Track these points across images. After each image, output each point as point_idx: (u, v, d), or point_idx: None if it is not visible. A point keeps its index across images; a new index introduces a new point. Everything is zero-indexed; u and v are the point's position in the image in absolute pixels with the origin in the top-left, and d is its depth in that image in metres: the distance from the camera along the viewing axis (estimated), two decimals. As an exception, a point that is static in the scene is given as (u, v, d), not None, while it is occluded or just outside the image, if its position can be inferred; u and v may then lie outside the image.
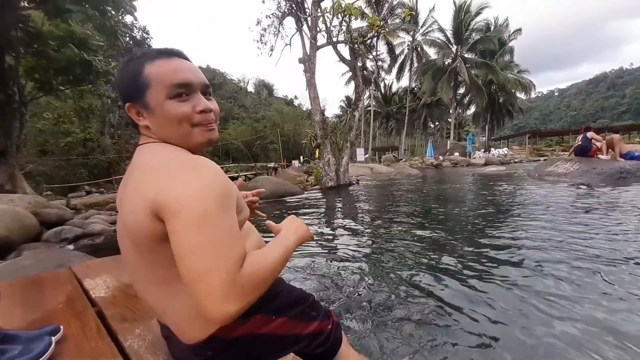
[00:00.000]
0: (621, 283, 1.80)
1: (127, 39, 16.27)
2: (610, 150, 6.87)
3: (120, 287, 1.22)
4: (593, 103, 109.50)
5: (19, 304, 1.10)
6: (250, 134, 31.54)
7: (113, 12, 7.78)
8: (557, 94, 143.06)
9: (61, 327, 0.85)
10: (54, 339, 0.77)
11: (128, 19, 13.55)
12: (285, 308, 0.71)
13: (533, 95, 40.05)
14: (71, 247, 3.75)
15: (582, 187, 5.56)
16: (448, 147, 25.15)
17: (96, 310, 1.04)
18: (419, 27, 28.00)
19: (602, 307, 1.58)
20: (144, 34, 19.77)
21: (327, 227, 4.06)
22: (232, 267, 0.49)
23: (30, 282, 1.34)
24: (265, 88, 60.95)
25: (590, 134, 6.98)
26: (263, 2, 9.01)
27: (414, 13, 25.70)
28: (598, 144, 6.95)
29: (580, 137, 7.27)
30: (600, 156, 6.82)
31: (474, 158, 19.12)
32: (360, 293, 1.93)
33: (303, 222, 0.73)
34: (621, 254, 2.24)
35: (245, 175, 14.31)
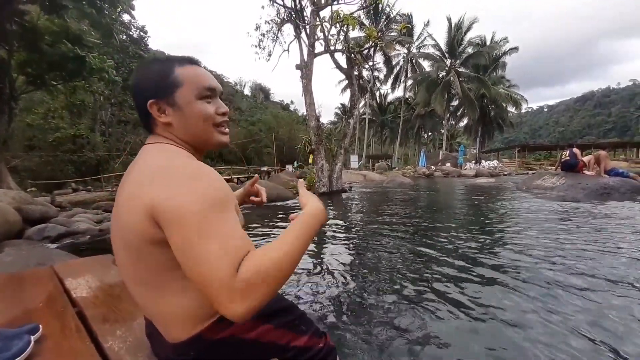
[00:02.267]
0: (601, 294, 1.86)
1: (124, 37, 16.15)
2: (595, 166, 7.08)
3: (103, 287, 1.20)
4: (580, 120, 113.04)
5: (-2, 301, 1.07)
6: (244, 137, 31.41)
7: (109, 10, 7.75)
8: (546, 110, 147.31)
9: (40, 326, 0.83)
10: (32, 337, 0.76)
11: (126, 17, 13.50)
12: (272, 316, 0.70)
13: (523, 110, 41.08)
14: (54, 245, 3.65)
15: (567, 201, 5.71)
16: (440, 158, 25.52)
17: (77, 310, 1.02)
18: (414, 40, 28.67)
19: (581, 319, 1.62)
20: (142, 33, 19.64)
21: (318, 234, 4.06)
22: (232, 270, 0.48)
23: (10, 279, 1.31)
24: (261, 92, 61.07)
25: (575, 150, 7.21)
26: (263, 7, 9.12)
27: (409, 26, 26.31)
28: (585, 159, 7.17)
29: (566, 152, 7.49)
30: (585, 172, 7.04)
31: (465, 169, 19.42)
32: (349, 304, 1.93)
33: (319, 202, 0.68)
34: (602, 265, 2.30)
35: (237, 178, 14.19)
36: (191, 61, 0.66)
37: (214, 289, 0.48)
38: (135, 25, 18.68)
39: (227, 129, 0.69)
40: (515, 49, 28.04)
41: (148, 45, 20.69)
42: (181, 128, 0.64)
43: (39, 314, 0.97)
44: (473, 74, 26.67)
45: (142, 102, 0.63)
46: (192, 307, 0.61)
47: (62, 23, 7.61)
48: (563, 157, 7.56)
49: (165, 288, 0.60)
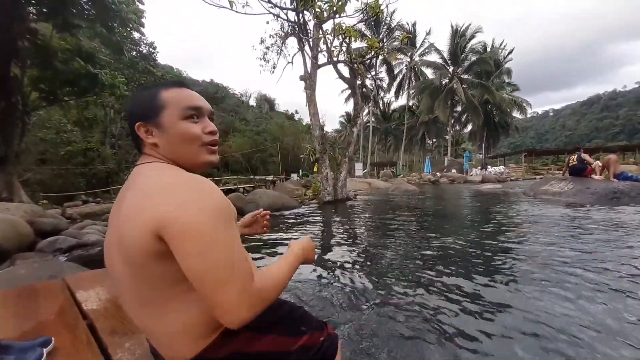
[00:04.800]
0: (615, 300, 1.82)
1: (134, 53, 16.67)
2: (604, 170, 6.96)
3: (112, 299, 1.23)
4: (587, 124, 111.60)
5: (12, 314, 1.11)
6: (250, 147, 31.74)
7: (120, 29, 8.03)
8: (552, 114, 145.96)
9: (52, 339, 0.86)
10: (45, 350, 0.78)
11: (136, 34, 13.96)
12: (273, 324, 0.71)
13: (528, 115, 40.82)
14: (65, 257, 3.71)
15: (576, 206, 5.61)
16: (445, 164, 25.36)
17: (87, 322, 1.05)
18: (417, 49, 28.93)
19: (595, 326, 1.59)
20: (151, 49, 20.24)
21: (322, 241, 4.06)
22: (246, 279, 0.55)
23: (23, 292, 1.35)
24: (266, 102, 61.89)
25: (583, 155, 7.11)
26: (267, 22, 9.35)
27: (411, 36, 26.61)
28: (592, 164, 7.06)
29: (574, 156, 7.39)
30: (593, 176, 6.92)
31: (471, 175, 19.24)
32: (354, 308, 1.92)
33: (313, 245, 0.81)
34: (616, 272, 2.26)
35: (243, 188, 14.30)
36: (178, 84, 0.69)
37: (236, 291, 0.53)
38: (145, 41, 19.28)
39: (216, 148, 0.70)
40: (511, 51, 28.13)
41: (157, 60, 21.28)
42: (167, 148, 0.66)
43: (51, 327, 1.00)
44: (476, 80, 26.67)
45: (132, 124, 0.67)
46: (192, 325, 0.61)
47: (74, 41, 7.92)
48: (571, 161, 7.45)
49: (166, 305, 0.60)
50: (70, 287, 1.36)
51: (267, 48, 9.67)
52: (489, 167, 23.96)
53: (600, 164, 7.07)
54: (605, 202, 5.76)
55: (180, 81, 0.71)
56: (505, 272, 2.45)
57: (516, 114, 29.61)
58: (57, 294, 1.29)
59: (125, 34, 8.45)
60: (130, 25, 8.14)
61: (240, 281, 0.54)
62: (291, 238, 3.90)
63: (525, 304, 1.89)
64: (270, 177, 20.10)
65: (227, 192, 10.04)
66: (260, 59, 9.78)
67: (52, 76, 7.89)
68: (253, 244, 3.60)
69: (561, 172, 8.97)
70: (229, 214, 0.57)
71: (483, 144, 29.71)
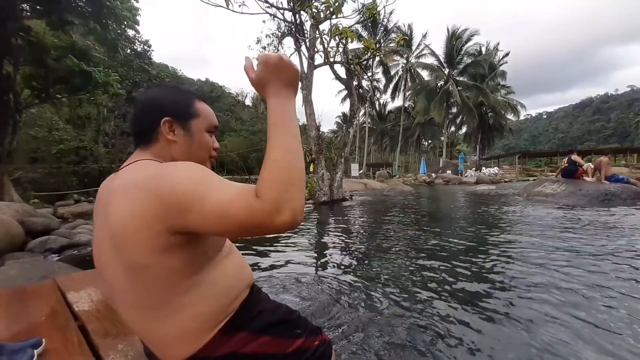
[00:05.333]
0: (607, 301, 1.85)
1: (129, 51, 16.48)
2: (596, 172, 7.09)
3: (104, 300, 1.22)
4: (580, 126, 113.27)
5: (4, 315, 1.09)
6: (246, 147, 31.62)
7: (114, 26, 7.95)
8: (545, 116, 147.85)
9: (43, 340, 0.85)
10: (36, 352, 0.78)
11: (130, 32, 13.82)
12: (269, 326, 0.71)
13: (522, 117, 41.33)
14: (56, 257, 3.66)
15: (568, 208, 5.70)
16: (440, 165, 25.55)
17: (79, 324, 1.04)
18: (413, 51, 29.13)
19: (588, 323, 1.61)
20: (146, 47, 20.04)
21: (318, 242, 4.06)
22: (255, 196, 0.50)
23: (14, 293, 1.33)
24: (263, 102, 61.64)
25: (573, 157, 7.23)
26: (264, 22, 9.35)
27: (407, 38, 26.76)
28: (584, 166, 7.19)
29: (565, 159, 7.51)
30: (585, 178, 7.04)
31: (466, 176, 19.43)
32: (349, 310, 1.93)
33: (278, 59, 0.60)
34: (608, 274, 2.30)
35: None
36: (204, 99, 0.77)
37: (254, 213, 0.49)
38: (140, 39, 19.08)
39: (214, 160, 0.79)
40: (507, 55, 28.46)
41: (152, 58, 21.06)
42: (184, 149, 0.70)
43: (42, 328, 0.99)
44: (471, 82, 26.96)
45: (154, 117, 0.68)
46: (191, 324, 0.62)
47: (68, 38, 7.81)
48: (563, 163, 7.58)
49: (166, 306, 0.60)
50: (62, 287, 1.34)
51: (264, 48, 9.66)
52: (483, 168, 24.19)
53: (592, 166, 7.19)
54: (596, 204, 5.85)
55: (205, 97, 0.78)
56: (499, 275, 2.48)
57: (510, 116, 30.01)
58: (48, 295, 1.28)
59: (119, 31, 8.36)
60: (125, 22, 8.05)
61: (247, 193, 0.51)
62: (285, 240, 3.90)
63: (520, 308, 1.91)
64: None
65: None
66: (257, 59, 9.76)
67: (45, 74, 7.78)
68: (247, 252, 3.58)
69: (554, 173, 9.10)
70: (209, 172, 0.58)
71: (478, 146, 30.01)
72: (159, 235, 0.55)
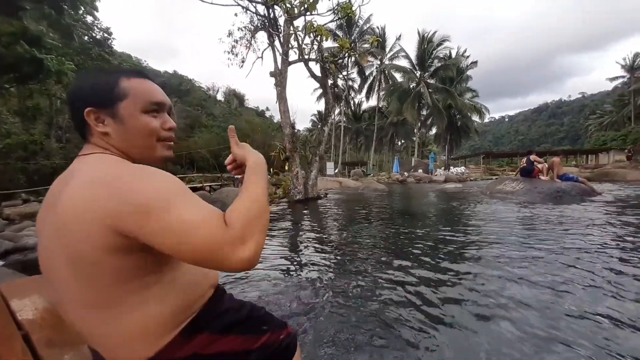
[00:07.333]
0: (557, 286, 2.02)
1: (86, 38, 15.25)
2: (550, 171, 7.75)
3: (50, 308, 1.12)
4: (537, 129, 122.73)
5: None
6: (218, 144, 30.65)
7: (70, 11, 7.33)
8: (507, 119, 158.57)
9: (-23, 353, 0.76)
10: (-33, 367, 0.69)
11: (89, 18, 12.82)
12: (234, 325, 0.70)
13: (487, 119, 43.98)
14: (0, 262, 3.31)
15: (525, 204, 6.15)
16: (413, 164, 26.46)
17: (22, 333, 0.94)
18: (387, 53, 29.86)
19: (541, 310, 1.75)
20: (106, 35, 18.65)
21: (292, 240, 4.04)
22: (224, 225, 0.53)
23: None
24: (236, 98, 60.01)
25: (532, 157, 7.82)
26: (236, 15, 9.06)
27: (380, 40, 27.36)
28: (539, 165, 7.81)
29: (524, 159, 8.11)
30: (541, 177, 7.65)
31: (435, 175, 20.27)
32: (320, 306, 1.93)
33: (257, 152, 0.75)
34: (559, 259, 2.51)
35: (210, 186, 13.76)
36: (140, 74, 0.66)
37: (217, 245, 0.50)
38: (99, 26, 17.72)
39: (171, 143, 0.70)
40: (475, 63, 30.07)
41: (113, 47, 19.66)
42: (120, 139, 0.63)
43: (-23, 340, 0.88)
44: (441, 85, 28.20)
45: (79, 109, 0.61)
46: (148, 325, 0.58)
47: (19, 24, 7.07)
48: (522, 163, 8.17)
49: (120, 305, 0.56)
50: (4, 295, 1.21)
51: (236, 41, 9.39)
52: (451, 167, 25.42)
53: (547, 166, 7.84)
54: (549, 201, 6.38)
55: (141, 71, 0.68)
56: (460, 265, 2.62)
57: (476, 119, 31.76)
58: (-13, 304, 1.14)
59: (76, 17, 7.72)
60: (83, 7, 7.45)
61: (222, 227, 0.52)
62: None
63: (480, 296, 2.03)
64: (239, 176, 19.52)
65: (192, 191, 9.60)
66: (228, 53, 9.48)
67: (-11, 60, 6.99)
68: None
69: (514, 172, 9.79)
70: (181, 185, 0.57)
71: (446, 146, 31.49)
72: (108, 234, 0.51)
